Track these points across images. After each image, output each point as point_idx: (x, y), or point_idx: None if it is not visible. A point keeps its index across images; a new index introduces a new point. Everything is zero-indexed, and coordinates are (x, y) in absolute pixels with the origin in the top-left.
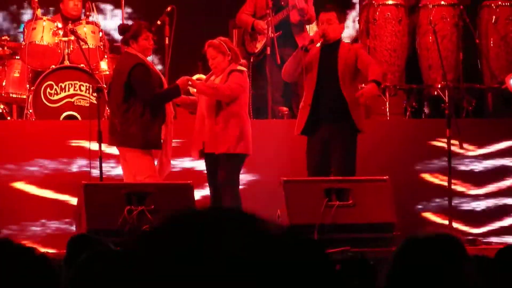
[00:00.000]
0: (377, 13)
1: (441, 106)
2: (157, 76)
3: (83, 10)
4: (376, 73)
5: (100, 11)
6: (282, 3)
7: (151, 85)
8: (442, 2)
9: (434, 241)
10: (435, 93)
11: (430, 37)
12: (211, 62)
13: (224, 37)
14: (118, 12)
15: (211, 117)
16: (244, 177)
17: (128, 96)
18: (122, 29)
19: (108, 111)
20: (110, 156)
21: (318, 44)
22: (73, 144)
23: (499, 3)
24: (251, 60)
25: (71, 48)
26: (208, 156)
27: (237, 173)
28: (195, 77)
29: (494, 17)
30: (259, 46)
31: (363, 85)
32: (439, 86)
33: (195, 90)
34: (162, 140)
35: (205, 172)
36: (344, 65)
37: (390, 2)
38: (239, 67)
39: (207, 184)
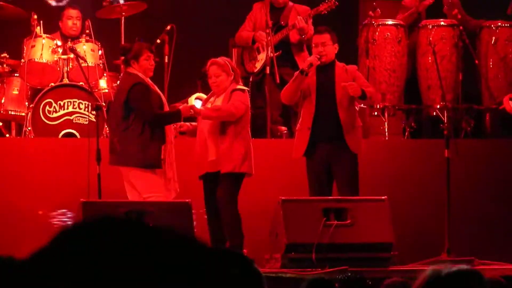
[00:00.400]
0: (377, 33)
1: (440, 126)
2: (157, 96)
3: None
4: (369, 90)
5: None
6: (282, 22)
7: (150, 105)
8: (442, 23)
9: (457, 277)
10: (434, 114)
11: (430, 58)
12: (214, 80)
13: (227, 58)
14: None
15: (216, 136)
16: (243, 196)
17: (127, 115)
18: (123, 49)
19: (107, 129)
20: (109, 174)
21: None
22: (72, 162)
23: (499, 24)
24: (250, 79)
25: (70, 66)
26: (209, 175)
27: (237, 191)
28: (194, 96)
29: (493, 38)
30: (258, 65)
31: (361, 105)
32: (438, 106)
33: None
34: (162, 160)
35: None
36: (342, 88)
37: (389, 23)
38: (241, 86)
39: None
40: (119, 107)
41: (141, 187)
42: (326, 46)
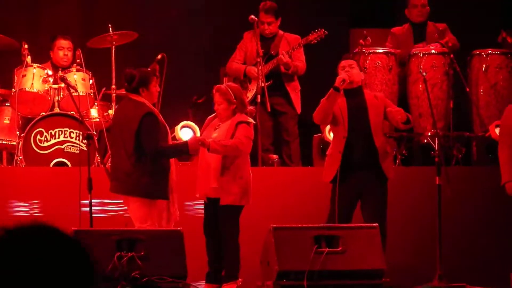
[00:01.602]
0: (368, 61)
1: (431, 154)
2: (164, 126)
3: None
4: (410, 116)
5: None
6: (273, 52)
7: (157, 138)
8: (433, 51)
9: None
10: (425, 141)
11: (421, 85)
12: (216, 107)
13: (234, 84)
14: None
15: (217, 168)
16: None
17: (138, 145)
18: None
19: (98, 157)
20: (100, 203)
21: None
22: (63, 191)
23: (490, 51)
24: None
25: (61, 95)
26: (209, 203)
27: (238, 222)
28: (181, 124)
29: (484, 65)
30: (249, 95)
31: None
32: (429, 134)
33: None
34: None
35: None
36: (376, 115)
37: (380, 51)
38: (247, 119)
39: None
40: (130, 137)
41: (138, 217)
42: (353, 69)
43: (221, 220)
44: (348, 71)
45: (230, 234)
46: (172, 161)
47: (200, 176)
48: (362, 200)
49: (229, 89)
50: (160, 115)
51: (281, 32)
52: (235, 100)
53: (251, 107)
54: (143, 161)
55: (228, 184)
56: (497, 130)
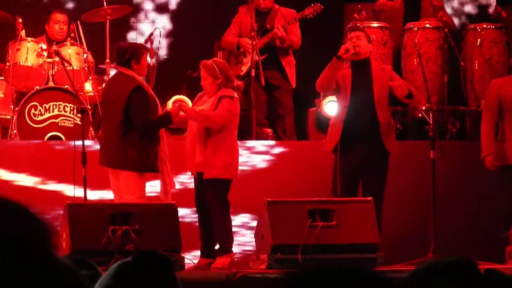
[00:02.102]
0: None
1: (426, 128)
2: (153, 99)
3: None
4: (412, 88)
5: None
6: (268, 26)
7: (146, 112)
8: (427, 25)
9: (453, 266)
10: (420, 115)
11: (415, 60)
12: (202, 83)
13: (220, 59)
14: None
15: (201, 142)
16: (229, 198)
17: (126, 119)
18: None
19: (92, 131)
20: (94, 176)
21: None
22: (57, 165)
23: (484, 26)
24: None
25: (56, 69)
26: (199, 175)
27: (226, 196)
28: (173, 98)
29: (479, 40)
30: (244, 68)
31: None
32: (424, 108)
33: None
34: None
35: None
36: (380, 87)
37: (375, 25)
38: (230, 94)
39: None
40: (118, 111)
41: (127, 190)
42: (361, 40)
43: (207, 195)
44: (355, 42)
45: (218, 208)
46: (163, 133)
47: (187, 151)
48: (363, 173)
49: (214, 64)
50: (150, 89)
51: (276, 6)
52: (220, 75)
53: (239, 82)
54: (131, 135)
55: (211, 158)
56: None
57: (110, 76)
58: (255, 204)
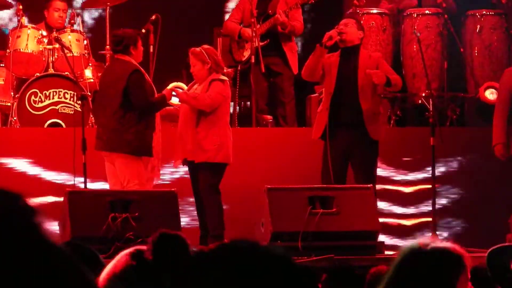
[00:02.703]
0: (362, 22)
1: (425, 114)
2: (150, 84)
3: (67, 20)
4: (394, 77)
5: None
6: (270, 11)
7: (147, 93)
8: (427, 11)
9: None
10: (419, 102)
11: (415, 46)
12: (192, 70)
13: (209, 46)
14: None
15: (192, 126)
16: (229, 185)
17: (125, 102)
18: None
19: (93, 118)
20: (94, 163)
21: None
22: (57, 151)
23: (484, 12)
24: (238, 68)
25: (56, 56)
26: (190, 164)
27: (217, 181)
28: (171, 84)
29: (478, 26)
30: (246, 54)
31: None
32: (423, 94)
33: (176, 100)
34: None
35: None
36: (365, 75)
37: (374, 11)
38: (221, 77)
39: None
40: (117, 94)
41: (125, 174)
42: (348, 27)
43: (200, 178)
44: (342, 29)
45: (208, 193)
46: (158, 123)
47: (178, 138)
48: (350, 160)
49: (202, 50)
50: (146, 74)
51: None
52: (209, 60)
53: (229, 70)
54: (129, 118)
55: (202, 141)
56: (487, 92)
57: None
58: (253, 191)
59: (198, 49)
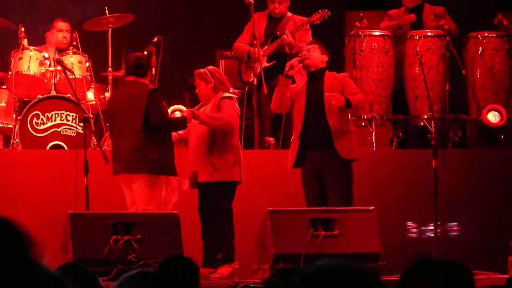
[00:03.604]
0: (364, 44)
1: (427, 136)
2: (164, 104)
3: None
4: (355, 97)
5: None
6: (278, 33)
7: (163, 111)
8: (429, 33)
9: (445, 266)
10: (421, 124)
11: (417, 68)
12: (197, 90)
13: (213, 67)
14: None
15: (205, 146)
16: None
17: (147, 122)
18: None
19: (94, 140)
20: (97, 186)
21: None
22: (60, 174)
23: (486, 34)
24: (246, 89)
25: (58, 78)
26: (201, 186)
27: (230, 200)
28: (171, 108)
29: (480, 48)
30: (253, 75)
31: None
32: (425, 116)
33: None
34: None
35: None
36: (330, 93)
37: (376, 33)
38: (228, 94)
39: (198, 213)
40: (138, 114)
41: (144, 197)
42: (311, 52)
43: (213, 199)
44: (305, 55)
45: (222, 215)
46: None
47: (190, 158)
48: (323, 181)
49: (206, 71)
50: None
51: (289, 14)
52: (212, 79)
53: (235, 91)
54: (151, 138)
55: (216, 161)
56: (490, 115)
57: (115, 87)
58: (257, 214)
59: (202, 70)
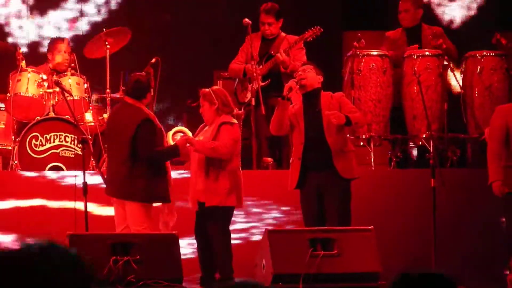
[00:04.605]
0: (362, 64)
1: (426, 156)
2: (160, 131)
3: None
4: (354, 115)
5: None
6: (272, 52)
7: (152, 143)
8: (427, 53)
9: (428, 278)
10: (420, 143)
11: (415, 88)
12: (201, 110)
13: (218, 87)
14: None
15: (202, 170)
16: (230, 227)
17: (134, 151)
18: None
19: (93, 161)
20: (95, 207)
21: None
22: (59, 195)
23: (484, 53)
24: (242, 109)
25: (56, 100)
26: (200, 204)
27: (227, 225)
28: (173, 130)
29: (479, 67)
30: (249, 95)
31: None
32: (424, 136)
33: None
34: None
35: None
36: (326, 117)
37: (374, 53)
38: (231, 120)
39: (194, 235)
40: (126, 142)
41: (136, 221)
42: (307, 72)
43: (209, 222)
44: (300, 76)
45: (219, 237)
46: (168, 165)
47: (191, 181)
48: (323, 200)
49: (211, 91)
50: (156, 119)
51: (283, 34)
52: (216, 101)
53: (240, 111)
54: (138, 167)
55: (213, 185)
56: None
57: (113, 107)
58: (255, 233)
59: (207, 90)
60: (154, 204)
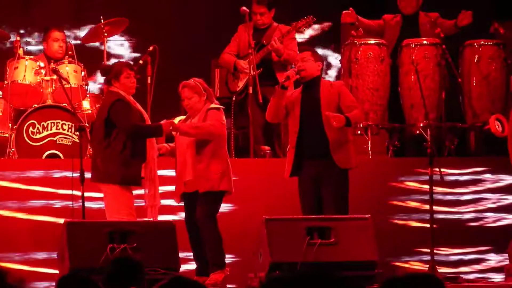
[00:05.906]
0: (359, 53)
1: (424, 145)
2: (138, 113)
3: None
4: (354, 114)
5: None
6: (264, 41)
7: (131, 118)
8: (425, 42)
9: (415, 280)
10: (418, 132)
11: (412, 76)
12: (187, 103)
13: (199, 78)
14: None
15: (192, 157)
16: (227, 216)
17: (108, 133)
18: (104, 69)
19: (91, 150)
20: (93, 194)
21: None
22: (56, 183)
23: (482, 42)
24: (233, 98)
25: (54, 87)
26: (188, 195)
27: (216, 210)
28: (176, 119)
29: (476, 56)
30: (240, 84)
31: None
32: (421, 125)
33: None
34: (142, 178)
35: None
36: (327, 103)
37: (372, 42)
38: (215, 105)
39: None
40: (100, 125)
41: (115, 207)
42: (306, 62)
43: (198, 208)
44: (300, 66)
45: (208, 222)
46: (153, 152)
47: (177, 170)
48: (320, 191)
49: (196, 83)
50: (136, 104)
51: (275, 24)
52: (204, 92)
53: (221, 107)
54: (112, 148)
55: (203, 172)
56: (497, 123)
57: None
58: (253, 222)
59: (192, 82)
60: (136, 191)
